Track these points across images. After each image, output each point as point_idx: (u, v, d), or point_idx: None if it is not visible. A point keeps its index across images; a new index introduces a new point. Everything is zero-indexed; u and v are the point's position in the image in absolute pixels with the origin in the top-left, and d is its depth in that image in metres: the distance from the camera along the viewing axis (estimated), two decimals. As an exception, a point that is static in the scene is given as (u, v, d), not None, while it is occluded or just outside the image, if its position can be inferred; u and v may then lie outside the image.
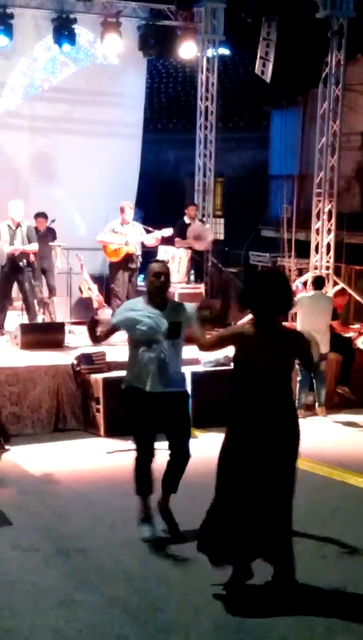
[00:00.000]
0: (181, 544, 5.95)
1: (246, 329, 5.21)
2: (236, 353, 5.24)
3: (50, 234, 12.37)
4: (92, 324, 6.22)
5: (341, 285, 12.54)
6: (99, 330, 6.21)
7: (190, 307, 6.23)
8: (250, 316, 5.38)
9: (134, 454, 6.18)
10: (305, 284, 11.86)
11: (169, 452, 6.10)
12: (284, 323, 10.71)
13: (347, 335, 11.33)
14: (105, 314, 6.24)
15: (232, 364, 5.36)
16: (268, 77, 13.50)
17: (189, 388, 9.75)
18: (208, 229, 13.67)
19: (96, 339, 6.26)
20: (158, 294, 6.09)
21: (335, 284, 13.17)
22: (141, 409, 6.02)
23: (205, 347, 5.56)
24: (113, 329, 6.19)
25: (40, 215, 12.39)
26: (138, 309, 6.08)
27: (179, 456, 6.07)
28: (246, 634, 4.79)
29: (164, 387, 5.99)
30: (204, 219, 14.21)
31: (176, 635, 4.79)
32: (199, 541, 5.32)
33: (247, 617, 4.97)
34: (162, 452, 6.14)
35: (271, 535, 5.14)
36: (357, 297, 13.24)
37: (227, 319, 6.09)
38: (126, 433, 8.44)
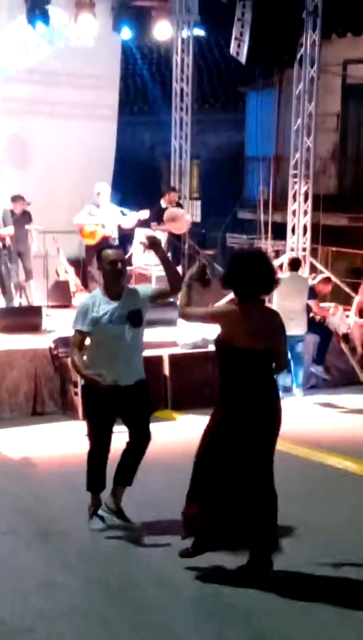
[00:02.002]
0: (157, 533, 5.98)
1: (233, 310, 5.17)
2: (222, 334, 5.16)
3: (26, 217, 12.30)
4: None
5: (327, 274, 12.53)
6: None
7: (143, 289, 6.17)
8: (231, 296, 5.31)
9: (88, 448, 6.04)
10: (280, 266, 11.88)
11: (128, 439, 5.95)
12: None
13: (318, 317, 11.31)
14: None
15: (215, 346, 5.27)
16: (243, 58, 13.42)
17: (167, 370, 9.85)
18: (183, 213, 13.61)
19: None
20: (115, 281, 5.92)
21: (312, 265, 13.21)
22: (104, 404, 5.85)
23: (188, 316, 5.41)
24: (84, 337, 5.91)
25: (17, 198, 12.28)
26: (96, 306, 5.87)
27: (140, 445, 5.92)
28: (226, 613, 4.83)
29: (129, 379, 5.86)
30: (181, 202, 14.18)
31: (156, 615, 4.82)
32: (187, 527, 5.25)
33: (225, 596, 5.01)
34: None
35: (252, 518, 5.12)
36: (335, 279, 13.27)
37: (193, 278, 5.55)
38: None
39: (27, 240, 12.38)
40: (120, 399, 5.85)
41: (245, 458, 5.09)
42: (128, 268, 12.67)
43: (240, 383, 5.10)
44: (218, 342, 5.22)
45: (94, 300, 5.96)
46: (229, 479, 5.09)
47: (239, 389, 5.10)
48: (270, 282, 5.19)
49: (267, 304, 10.65)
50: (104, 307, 5.87)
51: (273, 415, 5.19)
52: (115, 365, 5.83)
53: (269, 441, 5.19)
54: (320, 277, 11.98)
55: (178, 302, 5.52)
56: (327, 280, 11.82)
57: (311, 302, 10.99)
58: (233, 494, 5.10)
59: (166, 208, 13.06)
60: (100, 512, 6.03)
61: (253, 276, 5.09)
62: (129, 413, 5.93)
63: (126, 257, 12.81)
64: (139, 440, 5.92)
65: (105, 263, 5.92)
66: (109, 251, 6.04)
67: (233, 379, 5.12)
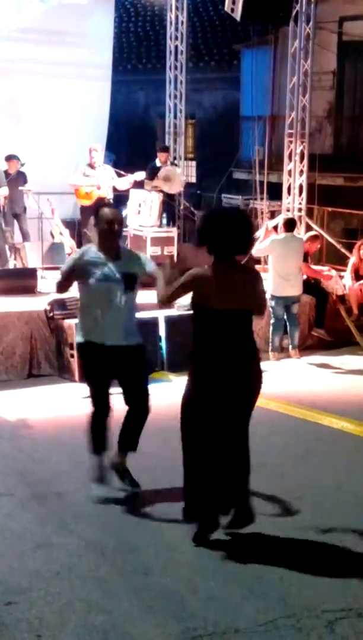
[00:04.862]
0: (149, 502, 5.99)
1: (204, 272, 5.03)
2: (194, 297, 5.06)
3: (20, 177, 12.18)
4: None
5: (315, 231, 12.49)
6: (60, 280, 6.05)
7: (146, 258, 6.12)
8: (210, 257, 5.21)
9: (89, 410, 5.99)
10: (275, 227, 11.81)
11: (127, 407, 5.89)
12: (256, 266, 10.76)
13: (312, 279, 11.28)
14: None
15: (191, 309, 5.16)
16: (238, 15, 13.22)
17: (163, 331, 9.85)
18: (178, 173, 13.52)
19: (60, 287, 6.09)
20: (109, 241, 5.87)
21: (308, 225, 13.15)
22: (98, 362, 5.84)
23: (165, 300, 5.36)
24: (71, 272, 5.92)
25: (12, 158, 12.14)
26: (91, 256, 5.86)
27: (138, 410, 5.86)
28: (222, 572, 4.87)
29: (120, 340, 5.79)
30: (176, 162, 14.08)
31: (153, 576, 4.85)
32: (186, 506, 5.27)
33: (221, 557, 5.04)
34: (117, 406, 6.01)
35: (235, 478, 5.11)
36: (330, 240, 13.24)
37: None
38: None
39: (22, 200, 12.28)
40: (111, 360, 5.80)
41: (225, 420, 5.01)
42: (123, 229, 12.68)
43: (215, 345, 4.97)
44: (193, 304, 5.10)
45: (89, 250, 5.95)
46: (212, 443, 5.03)
47: (215, 351, 4.97)
48: (244, 242, 5.07)
49: (264, 266, 10.76)
50: (99, 259, 5.83)
51: (252, 377, 5.07)
52: (103, 324, 5.77)
53: (248, 403, 5.09)
54: (307, 235, 11.92)
55: (157, 294, 5.47)
56: (315, 237, 11.77)
57: (302, 266, 10.93)
58: (216, 458, 5.05)
59: (160, 167, 12.97)
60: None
61: (227, 234, 4.96)
62: (123, 377, 5.88)
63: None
64: (136, 406, 5.86)
65: (101, 222, 5.88)
66: (106, 210, 6.01)
67: (208, 340, 5.00)
